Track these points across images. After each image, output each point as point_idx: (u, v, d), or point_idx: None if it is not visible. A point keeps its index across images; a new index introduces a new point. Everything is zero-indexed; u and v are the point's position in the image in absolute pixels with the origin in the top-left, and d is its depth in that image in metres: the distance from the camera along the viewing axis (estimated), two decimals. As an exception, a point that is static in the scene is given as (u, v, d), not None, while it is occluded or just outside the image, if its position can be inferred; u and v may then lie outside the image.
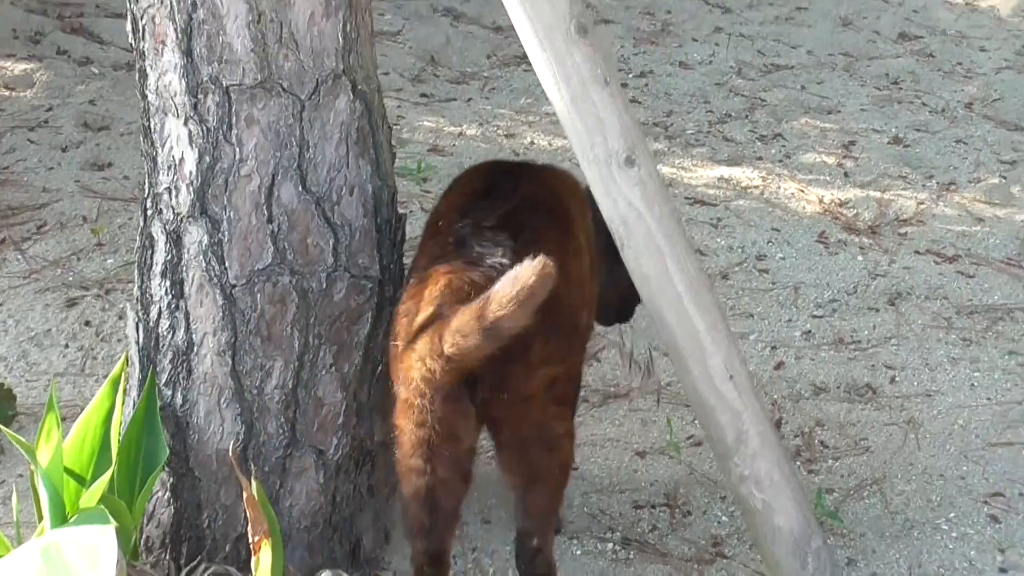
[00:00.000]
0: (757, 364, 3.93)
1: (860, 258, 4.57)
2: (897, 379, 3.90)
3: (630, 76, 5.93)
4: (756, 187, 5.00)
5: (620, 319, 3.36)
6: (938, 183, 5.16)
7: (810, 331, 4.12)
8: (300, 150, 2.74)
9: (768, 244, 4.62)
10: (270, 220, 2.75)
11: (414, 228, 4.40)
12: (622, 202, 2.67)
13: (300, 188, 2.75)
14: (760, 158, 5.26)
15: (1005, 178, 5.22)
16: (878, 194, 5.02)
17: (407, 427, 2.63)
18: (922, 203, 4.97)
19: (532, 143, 5.19)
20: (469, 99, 5.58)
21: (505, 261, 2.63)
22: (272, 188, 2.73)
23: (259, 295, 2.78)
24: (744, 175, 5.09)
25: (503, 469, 2.78)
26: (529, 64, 2.73)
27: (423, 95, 5.56)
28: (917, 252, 4.63)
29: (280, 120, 2.71)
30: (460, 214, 2.78)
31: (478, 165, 3.10)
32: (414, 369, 2.56)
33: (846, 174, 5.19)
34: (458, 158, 5.00)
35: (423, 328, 2.56)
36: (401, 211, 2.99)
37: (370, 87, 2.83)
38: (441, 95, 5.59)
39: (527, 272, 2.40)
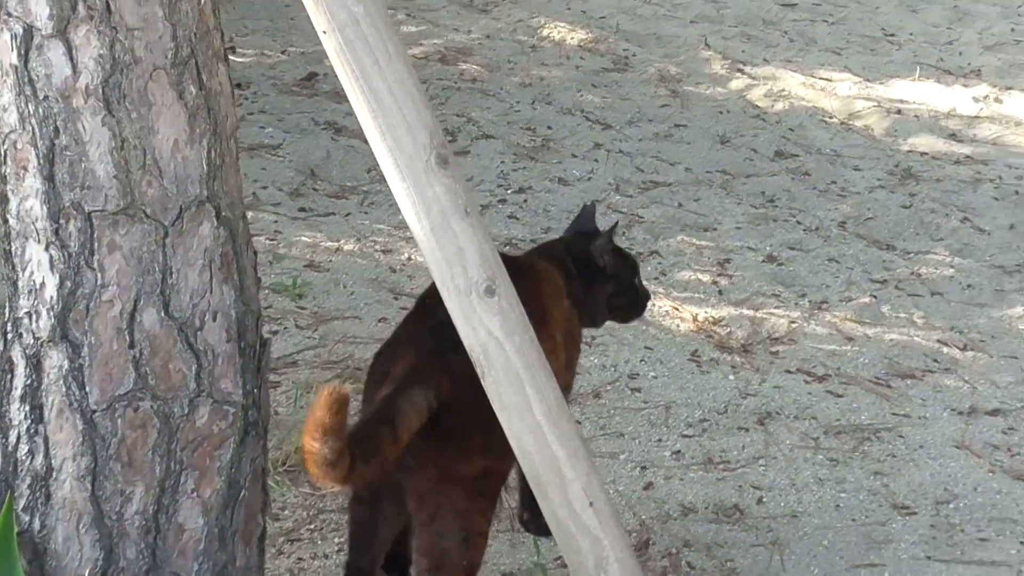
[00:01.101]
0: (626, 484, 3.95)
1: (732, 377, 4.61)
2: (764, 500, 3.93)
3: (509, 192, 5.98)
4: (631, 305, 5.04)
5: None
6: (810, 302, 5.24)
7: (680, 451, 4.15)
8: (163, 276, 2.73)
9: (641, 363, 4.65)
10: (132, 345, 2.74)
11: (287, 346, 4.42)
12: (482, 331, 2.69)
13: (163, 314, 2.74)
14: (636, 275, 5.30)
15: (876, 297, 5.31)
16: (751, 312, 5.08)
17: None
18: (794, 322, 5.04)
19: (409, 259, 5.22)
20: (348, 214, 5.59)
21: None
22: (134, 314, 2.72)
23: (120, 420, 2.76)
24: (619, 292, 5.12)
25: (415, 550, 2.91)
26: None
27: (301, 209, 5.57)
28: (788, 371, 4.69)
29: (143, 246, 2.71)
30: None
31: None
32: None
33: (720, 292, 5.26)
34: (334, 274, 5.01)
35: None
36: (267, 335, 2.99)
37: (234, 213, 2.84)
38: (320, 209, 5.60)
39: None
